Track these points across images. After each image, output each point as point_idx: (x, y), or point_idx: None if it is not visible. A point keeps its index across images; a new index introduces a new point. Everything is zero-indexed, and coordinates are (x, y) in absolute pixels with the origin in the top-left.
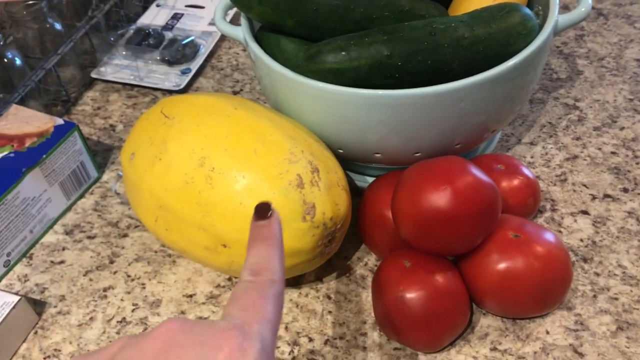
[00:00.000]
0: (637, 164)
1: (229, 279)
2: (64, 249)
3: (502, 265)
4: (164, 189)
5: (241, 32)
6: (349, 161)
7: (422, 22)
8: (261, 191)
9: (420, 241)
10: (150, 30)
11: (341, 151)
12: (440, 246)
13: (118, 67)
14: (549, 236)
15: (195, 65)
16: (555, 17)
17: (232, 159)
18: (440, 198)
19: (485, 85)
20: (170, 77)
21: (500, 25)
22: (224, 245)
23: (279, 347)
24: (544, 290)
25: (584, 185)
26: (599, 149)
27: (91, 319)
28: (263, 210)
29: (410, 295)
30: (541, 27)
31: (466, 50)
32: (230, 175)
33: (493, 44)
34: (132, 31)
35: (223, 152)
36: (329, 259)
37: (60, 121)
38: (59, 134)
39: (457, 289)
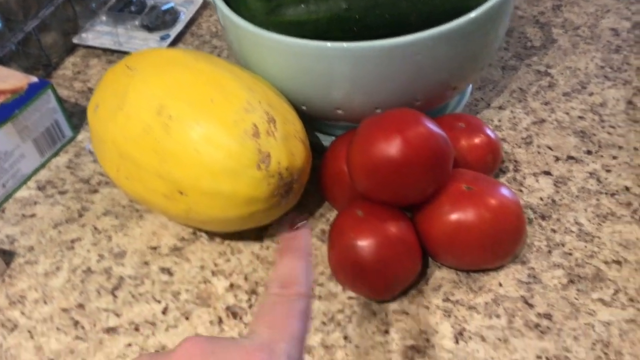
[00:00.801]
0: (602, 127)
1: (194, 233)
2: (35, 203)
3: (453, 216)
4: (124, 138)
5: None
6: (315, 119)
7: None
8: (216, 139)
9: (373, 191)
10: None
11: (304, 107)
12: (392, 195)
13: (99, 33)
14: (502, 190)
15: (174, 32)
16: None
17: (189, 108)
18: (390, 147)
19: (441, 39)
20: (149, 42)
21: None
22: (180, 192)
23: (236, 296)
24: (494, 242)
25: (549, 148)
26: (567, 113)
27: (57, 268)
28: (295, 220)
29: (362, 242)
30: None
31: (424, 5)
32: (186, 123)
33: None
34: None
35: (181, 101)
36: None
37: (34, 79)
38: (33, 91)
39: (409, 237)
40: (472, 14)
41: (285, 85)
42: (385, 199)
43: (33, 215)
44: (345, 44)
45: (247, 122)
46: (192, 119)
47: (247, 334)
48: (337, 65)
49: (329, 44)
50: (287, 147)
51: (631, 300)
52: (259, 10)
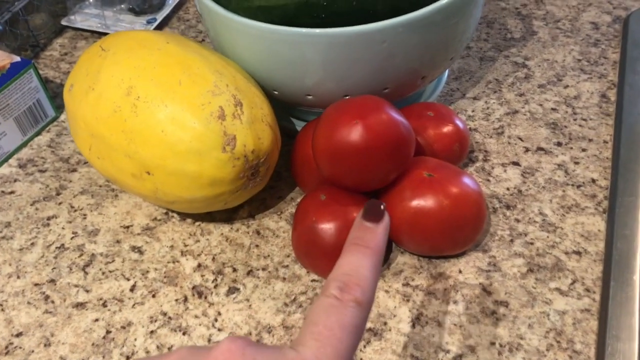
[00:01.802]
0: (574, 120)
1: (166, 213)
2: (15, 180)
3: (413, 203)
4: (95, 117)
5: None
6: (288, 105)
7: None
8: (182, 120)
9: (336, 176)
10: None
11: (276, 92)
12: (353, 181)
13: (88, 15)
14: (464, 178)
15: (161, 16)
16: None
17: (156, 89)
18: (351, 132)
19: (408, 27)
20: (135, 26)
21: None
22: (147, 172)
23: (203, 276)
24: (453, 228)
25: (520, 139)
26: (540, 105)
27: (32, 244)
28: (374, 209)
29: (322, 225)
30: None
31: None
32: (154, 104)
33: None
34: None
35: (149, 82)
36: (263, 199)
37: (17, 58)
38: (14, 70)
39: None
40: (439, 3)
41: (256, 70)
42: (347, 184)
43: (12, 192)
44: (311, 30)
45: (214, 105)
46: (159, 100)
47: (294, 342)
48: (306, 51)
49: (296, 29)
50: (254, 130)
51: (587, 290)
52: None
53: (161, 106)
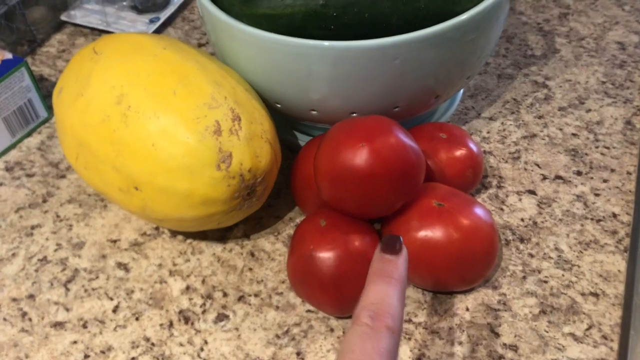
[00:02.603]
0: (596, 147)
1: (156, 228)
2: (1, 184)
3: (420, 234)
4: (83, 125)
5: None
6: (291, 119)
7: None
8: (175, 134)
9: (337, 201)
10: None
11: (279, 106)
12: (356, 207)
13: (88, 11)
14: (476, 209)
15: (164, 15)
16: None
17: (149, 99)
18: (356, 156)
19: (423, 44)
20: (137, 24)
21: None
22: (135, 187)
23: (191, 299)
24: (462, 264)
25: (537, 165)
26: (560, 129)
27: (13, 255)
28: (392, 243)
29: (320, 254)
30: None
31: (406, 6)
32: (145, 115)
33: (436, 2)
34: None
35: (142, 91)
36: (260, 217)
37: (8, 55)
38: (5, 68)
39: (371, 253)
40: (456, 20)
41: (258, 81)
42: (349, 211)
43: None
44: (319, 42)
45: (210, 119)
46: (151, 111)
47: None
48: (312, 64)
49: (302, 40)
50: (252, 147)
51: (604, 337)
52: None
53: (153, 118)
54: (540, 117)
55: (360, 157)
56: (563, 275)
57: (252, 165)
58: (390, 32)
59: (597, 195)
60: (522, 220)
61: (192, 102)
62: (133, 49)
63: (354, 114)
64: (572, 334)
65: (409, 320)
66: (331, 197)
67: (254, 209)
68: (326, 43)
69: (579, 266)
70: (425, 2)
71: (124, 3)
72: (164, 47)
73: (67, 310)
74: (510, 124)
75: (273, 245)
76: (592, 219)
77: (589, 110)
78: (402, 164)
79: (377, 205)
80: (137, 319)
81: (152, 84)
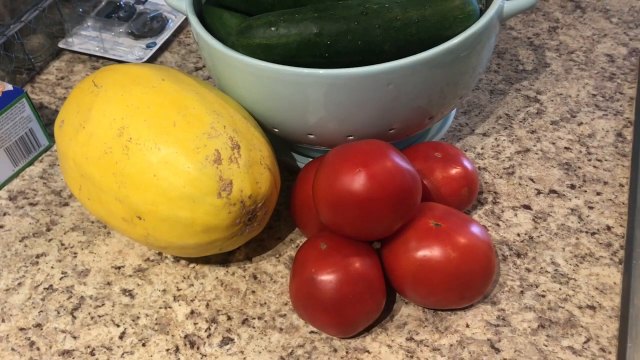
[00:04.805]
0: (589, 160)
1: (159, 254)
2: (5, 214)
3: (419, 254)
4: (86, 157)
5: (184, 4)
6: (289, 142)
7: (357, 0)
8: (176, 164)
9: (336, 224)
10: (122, 2)
11: (276, 131)
12: (355, 230)
13: (86, 38)
14: (473, 227)
15: (161, 40)
16: (499, 2)
17: (149, 130)
18: (353, 181)
19: (415, 68)
20: (134, 50)
21: (436, 8)
22: (138, 217)
23: (196, 324)
24: (461, 282)
25: (531, 180)
26: (553, 143)
27: (19, 284)
28: None
29: (322, 277)
30: (483, 12)
31: (398, 32)
32: (146, 146)
33: (427, 27)
34: (103, 3)
35: (142, 122)
36: (261, 240)
37: (9, 87)
38: (6, 100)
39: (372, 275)
40: (448, 44)
41: (256, 107)
42: (348, 233)
43: (1, 227)
44: (313, 70)
45: (210, 148)
46: (152, 142)
47: None
48: (308, 91)
49: (297, 69)
50: (251, 174)
51: (602, 350)
52: (235, 27)
53: (154, 149)
54: (533, 132)
55: (357, 182)
56: (560, 289)
57: (253, 191)
58: (383, 58)
59: (591, 208)
60: (518, 235)
61: (192, 132)
62: (132, 81)
63: (351, 137)
64: (570, 347)
65: (411, 339)
66: (330, 221)
67: (255, 233)
68: (321, 71)
69: (575, 279)
70: (416, 28)
71: (121, 29)
72: (162, 78)
73: (75, 338)
74: (504, 140)
75: (275, 267)
76: (586, 232)
77: (580, 124)
78: (398, 187)
79: (375, 227)
80: (143, 344)
81: (152, 116)
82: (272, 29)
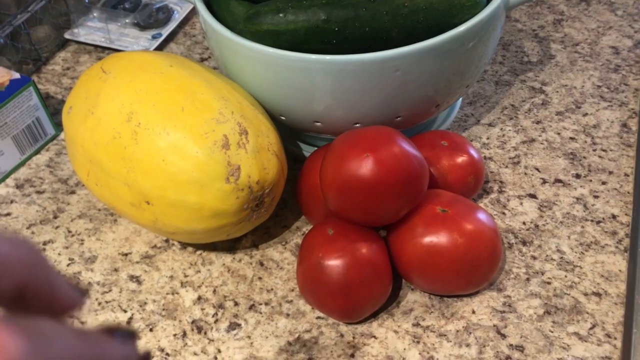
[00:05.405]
0: (594, 150)
1: (166, 241)
2: (12, 201)
3: (425, 240)
4: (94, 143)
5: None
6: (295, 130)
7: None
8: (184, 149)
9: (344, 210)
10: None
11: (283, 118)
12: (362, 216)
13: (92, 29)
14: (479, 214)
15: (166, 31)
16: None
17: (158, 116)
18: (361, 166)
19: (422, 55)
20: (140, 41)
21: None
22: (147, 202)
23: (203, 309)
24: (467, 268)
25: (537, 169)
26: (558, 133)
27: None
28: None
29: (329, 262)
30: (490, 0)
31: (406, 19)
32: (155, 131)
33: (434, 14)
34: None
35: (151, 108)
36: (267, 227)
37: (16, 75)
38: (13, 88)
39: (379, 260)
40: (455, 31)
41: (263, 95)
42: (356, 219)
43: (8, 215)
44: (321, 57)
45: (218, 133)
46: (160, 127)
47: None
48: (315, 77)
49: (305, 55)
50: (259, 160)
51: (608, 336)
52: (242, 15)
53: (163, 134)
54: (538, 122)
55: (365, 167)
56: (566, 276)
57: (260, 177)
58: (391, 45)
59: (596, 197)
60: (524, 223)
61: (200, 118)
62: (140, 67)
63: (357, 125)
64: (576, 333)
65: (417, 324)
66: (338, 207)
67: (262, 219)
68: (328, 57)
69: (581, 267)
70: (424, 15)
71: (127, 20)
72: (170, 64)
73: (82, 323)
74: (509, 130)
75: (281, 255)
76: (592, 221)
77: (585, 114)
78: (406, 172)
79: (382, 213)
80: (151, 330)
81: (160, 101)
82: (280, 15)
